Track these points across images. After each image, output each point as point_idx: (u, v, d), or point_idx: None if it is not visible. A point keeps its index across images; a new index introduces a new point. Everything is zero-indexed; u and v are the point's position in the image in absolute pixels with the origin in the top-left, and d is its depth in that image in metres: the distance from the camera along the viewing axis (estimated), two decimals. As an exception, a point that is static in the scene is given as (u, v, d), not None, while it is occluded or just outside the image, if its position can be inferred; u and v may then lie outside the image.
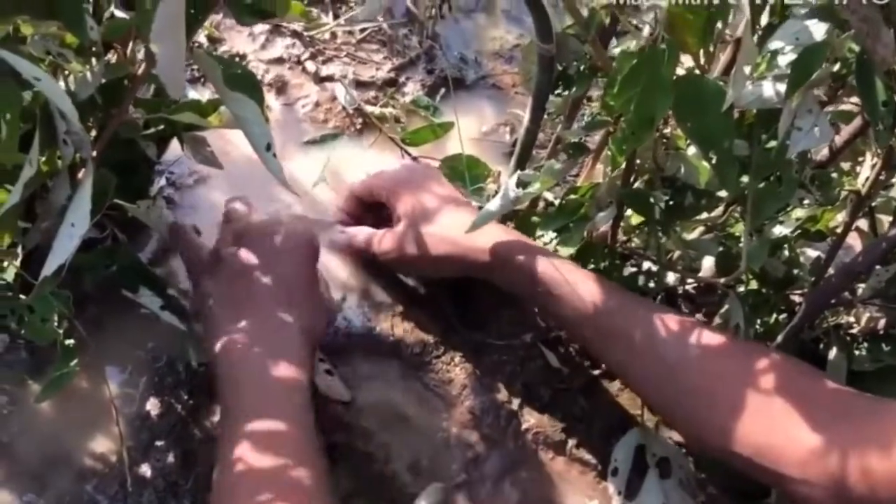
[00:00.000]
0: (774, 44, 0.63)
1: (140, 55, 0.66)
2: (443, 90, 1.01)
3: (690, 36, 0.61)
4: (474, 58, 1.06)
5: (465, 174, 0.91)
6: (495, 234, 0.77)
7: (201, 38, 0.94)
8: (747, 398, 0.65)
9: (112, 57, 0.66)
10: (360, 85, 0.99)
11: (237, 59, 0.95)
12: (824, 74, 0.65)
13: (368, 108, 0.96)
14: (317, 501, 0.62)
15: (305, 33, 0.96)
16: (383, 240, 0.82)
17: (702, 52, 0.63)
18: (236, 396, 0.66)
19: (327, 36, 1.00)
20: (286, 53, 0.98)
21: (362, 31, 1.02)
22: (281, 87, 0.96)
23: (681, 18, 0.60)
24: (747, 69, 0.63)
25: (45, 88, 0.52)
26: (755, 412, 0.65)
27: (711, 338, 0.69)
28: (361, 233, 0.85)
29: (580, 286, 0.73)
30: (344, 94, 0.96)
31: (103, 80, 0.62)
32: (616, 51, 0.72)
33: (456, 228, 0.77)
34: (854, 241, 0.89)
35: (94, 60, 0.61)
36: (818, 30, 0.62)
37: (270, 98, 0.95)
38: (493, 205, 0.74)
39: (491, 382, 0.81)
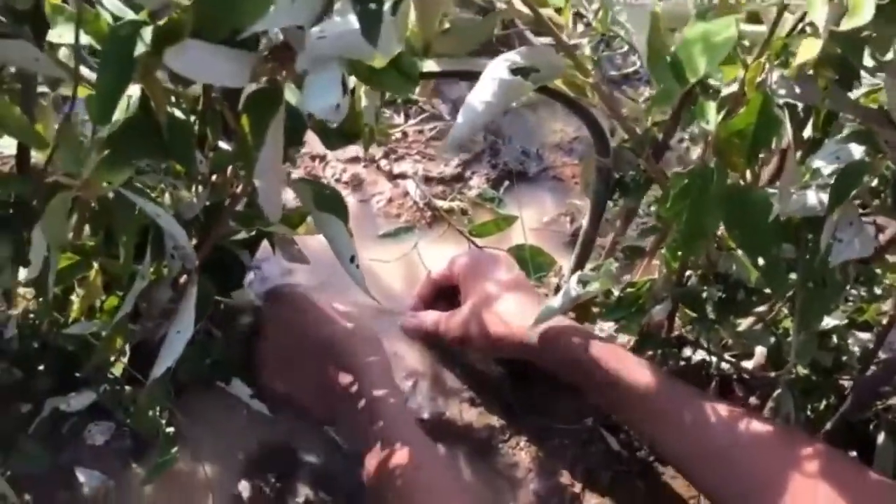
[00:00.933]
0: (816, 162, 0.69)
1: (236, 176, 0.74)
2: (506, 183, 1.08)
3: (736, 157, 0.67)
4: (536, 150, 1.13)
5: (529, 263, 0.97)
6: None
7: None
8: (793, 486, 0.70)
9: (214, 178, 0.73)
10: (429, 180, 1.07)
11: (317, 159, 1.03)
12: (864, 189, 0.70)
13: (437, 202, 1.04)
14: None
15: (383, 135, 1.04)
16: (449, 321, 0.88)
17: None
18: None
19: (399, 135, 1.07)
20: (361, 153, 1.06)
21: (431, 129, 1.09)
22: (357, 185, 1.04)
23: (728, 142, 0.66)
24: (792, 184, 0.68)
25: (163, 223, 0.60)
26: (801, 500, 0.69)
27: (759, 425, 0.74)
28: (430, 316, 0.91)
29: (630, 371, 0.78)
30: (415, 190, 1.04)
31: (207, 202, 0.70)
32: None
33: (515, 312, 0.84)
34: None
35: (199, 187, 0.69)
36: (857, 150, 0.67)
37: (347, 195, 1.03)
38: (556, 302, 0.80)
39: (554, 466, 0.86)
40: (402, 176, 1.06)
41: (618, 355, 0.80)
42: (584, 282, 0.80)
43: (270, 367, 0.85)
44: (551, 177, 1.11)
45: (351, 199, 1.03)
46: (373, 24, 0.49)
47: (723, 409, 0.75)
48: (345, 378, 0.80)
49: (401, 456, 0.73)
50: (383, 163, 1.06)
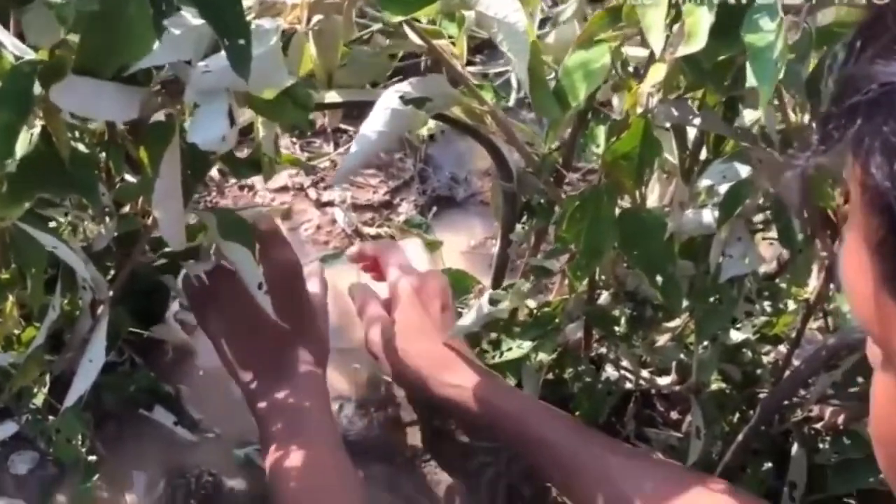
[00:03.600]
0: (704, 182, 0.71)
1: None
2: (434, 208, 1.10)
3: (625, 178, 0.69)
4: (465, 176, 1.15)
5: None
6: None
7: (213, 171, 1.04)
8: None
9: (125, 209, 0.75)
10: (357, 208, 1.09)
11: (246, 188, 1.06)
12: (752, 206, 0.73)
13: (366, 230, 1.06)
14: None
15: (308, 163, 1.06)
16: (376, 330, 0.88)
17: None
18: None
19: (328, 164, 1.10)
20: (290, 182, 1.08)
21: (359, 157, 1.12)
22: (286, 214, 1.06)
23: (615, 165, 0.69)
24: (682, 204, 0.71)
25: (61, 255, 0.62)
26: None
27: (664, 471, 0.77)
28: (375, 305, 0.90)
29: (535, 421, 0.80)
30: (343, 217, 1.06)
31: (115, 234, 0.72)
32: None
33: (426, 360, 0.84)
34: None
35: (107, 219, 0.71)
36: (743, 169, 0.70)
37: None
38: (467, 319, 0.82)
39: (476, 484, 0.88)
40: (331, 204, 1.08)
41: (519, 402, 0.82)
42: (494, 301, 0.82)
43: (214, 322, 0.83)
44: (479, 202, 1.14)
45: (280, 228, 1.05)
46: (241, 59, 0.51)
47: (628, 458, 0.78)
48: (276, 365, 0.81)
49: (297, 457, 0.75)
50: (311, 191, 1.09)
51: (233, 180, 1.06)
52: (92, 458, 0.78)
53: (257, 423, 0.79)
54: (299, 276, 0.83)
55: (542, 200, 0.80)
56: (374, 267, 0.93)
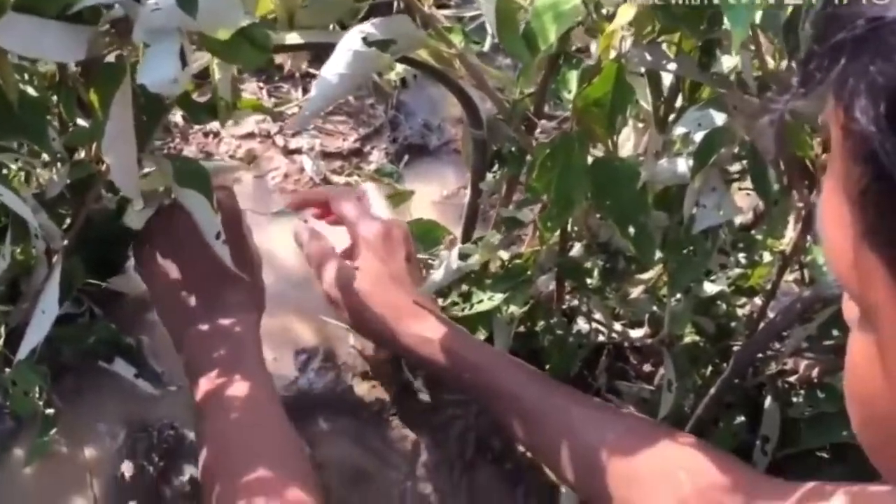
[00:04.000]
0: (679, 129, 0.69)
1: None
2: (406, 157, 1.08)
3: (597, 126, 0.67)
4: (438, 124, 1.13)
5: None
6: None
7: (177, 117, 1.01)
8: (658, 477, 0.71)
9: (80, 154, 0.73)
10: (326, 156, 1.06)
11: (211, 135, 1.03)
12: (727, 155, 0.71)
13: (335, 178, 1.03)
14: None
15: (275, 108, 1.03)
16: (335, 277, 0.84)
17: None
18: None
19: (296, 110, 1.07)
20: (257, 128, 1.05)
21: (329, 104, 1.09)
22: (252, 161, 1.03)
23: (587, 111, 0.66)
24: (657, 152, 0.69)
25: (8, 202, 0.59)
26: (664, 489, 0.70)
27: (628, 422, 0.76)
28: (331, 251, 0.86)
29: (500, 374, 0.78)
30: (311, 166, 1.03)
31: (68, 180, 0.69)
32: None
33: (392, 310, 0.82)
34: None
35: (59, 165, 0.68)
36: (719, 116, 0.68)
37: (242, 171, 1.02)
38: (437, 276, 0.81)
39: (445, 438, 0.86)
40: (298, 151, 1.05)
41: (482, 351, 0.80)
42: (464, 255, 0.80)
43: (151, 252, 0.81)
44: (452, 150, 1.11)
45: (246, 176, 1.03)
46: (188, -5, 0.49)
47: (592, 410, 0.77)
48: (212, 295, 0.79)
49: (231, 390, 0.73)
50: (279, 138, 1.06)
51: (198, 126, 1.03)
52: (49, 411, 0.76)
53: (186, 354, 0.77)
54: (241, 222, 0.82)
55: (512, 149, 0.78)
56: (326, 213, 0.90)
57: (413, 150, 1.09)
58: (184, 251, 0.78)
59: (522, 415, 0.77)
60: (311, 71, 1.09)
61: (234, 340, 0.76)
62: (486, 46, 1.07)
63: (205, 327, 0.76)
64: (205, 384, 0.73)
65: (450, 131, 1.13)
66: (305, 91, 1.09)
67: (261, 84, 1.08)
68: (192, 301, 0.78)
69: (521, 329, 0.90)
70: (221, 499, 0.67)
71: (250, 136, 1.05)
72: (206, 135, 1.03)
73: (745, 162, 0.74)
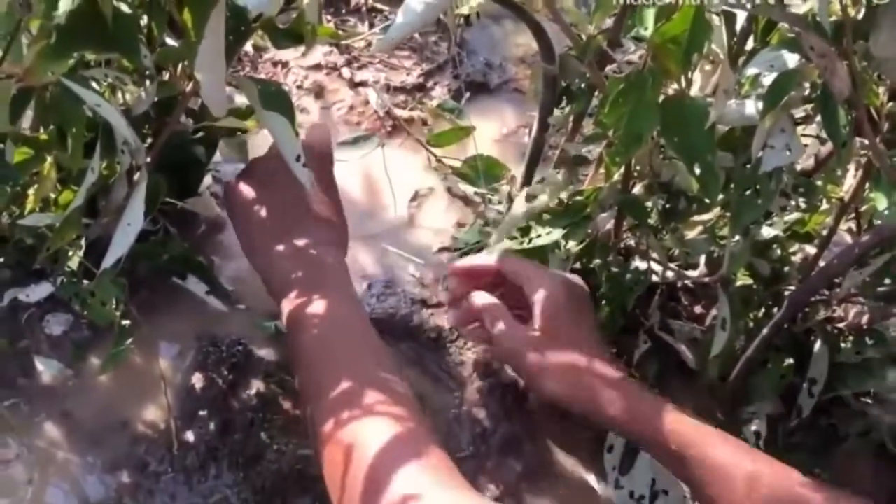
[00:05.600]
0: (750, 70, 0.70)
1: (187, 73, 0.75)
2: (468, 94, 1.09)
3: (672, 63, 0.68)
4: (499, 63, 1.14)
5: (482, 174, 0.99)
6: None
7: (248, 46, 1.03)
8: None
9: (165, 75, 0.75)
10: (391, 90, 1.08)
11: (279, 65, 1.05)
12: (797, 98, 0.72)
13: (398, 112, 1.05)
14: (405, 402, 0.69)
15: (342, 42, 1.05)
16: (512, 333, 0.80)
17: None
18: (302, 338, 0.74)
19: (362, 44, 1.08)
20: (324, 60, 1.07)
21: (394, 38, 1.10)
22: (319, 92, 1.06)
23: (663, 48, 0.68)
24: (727, 92, 0.70)
25: (104, 113, 0.62)
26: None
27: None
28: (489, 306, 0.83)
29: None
30: (376, 99, 1.05)
31: (156, 98, 0.72)
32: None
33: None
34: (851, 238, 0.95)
35: (147, 82, 0.71)
36: (791, 58, 0.69)
37: (309, 102, 1.05)
38: (506, 222, 0.83)
39: (500, 365, 0.89)
40: (364, 84, 1.07)
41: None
42: (531, 196, 0.82)
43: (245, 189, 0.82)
44: (512, 89, 1.13)
45: (313, 106, 1.05)
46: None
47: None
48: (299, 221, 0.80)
49: (318, 305, 0.74)
50: (345, 71, 1.08)
51: (266, 56, 1.06)
52: (126, 322, 0.79)
53: (271, 271, 0.78)
54: (332, 159, 0.83)
55: (582, 85, 0.79)
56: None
57: (474, 88, 1.10)
58: (275, 187, 0.80)
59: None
60: (377, 6, 1.11)
61: (324, 267, 0.78)
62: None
63: (295, 248, 0.78)
64: (293, 299, 0.75)
65: (511, 70, 1.14)
66: (372, 25, 1.11)
67: (328, 16, 1.10)
68: (285, 227, 0.80)
69: (577, 265, 0.93)
70: (317, 412, 0.68)
71: (317, 67, 1.07)
72: (274, 64, 1.05)
73: (810, 107, 0.75)
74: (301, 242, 0.79)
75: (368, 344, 0.74)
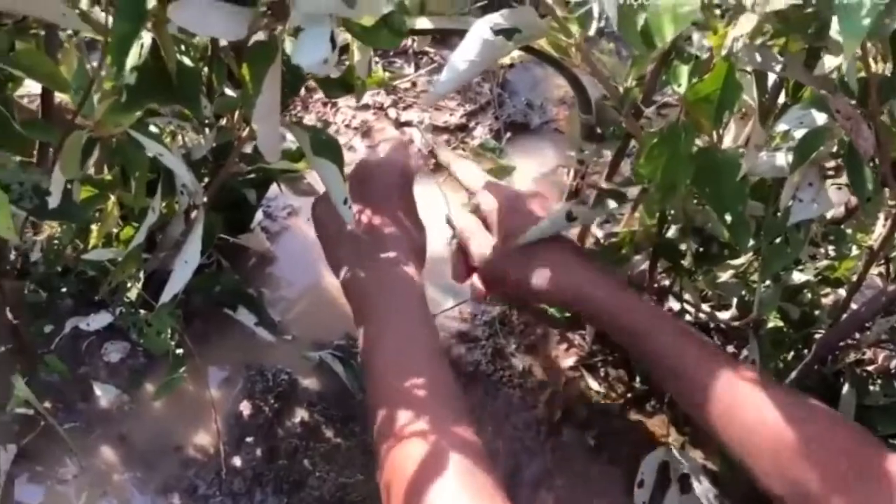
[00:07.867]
0: (781, 126, 0.73)
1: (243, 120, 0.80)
2: (509, 134, 1.13)
3: (704, 119, 0.71)
4: (540, 103, 1.18)
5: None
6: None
7: (299, 87, 1.07)
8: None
9: (222, 121, 0.79)
10: (435, 129, 1.12)
11: (329, 105, 1.09)
12: (826, 153, 0.74)
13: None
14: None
15: (389, 83, 1.09)
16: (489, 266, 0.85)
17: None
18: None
19: (408, 85, 1.13)
20: (371, 101, 1.12)
21: (439, 80, 1.14)
22: (366, 131, 1.10)
23: (696, 105, 0.71)
24: (758, 146, 0.73)
25: (166, 161, 0.66)
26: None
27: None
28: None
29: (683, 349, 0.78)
30: (420, 138, 1.09)
31: (214, 144, 0.76)
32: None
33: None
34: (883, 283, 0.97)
35: (206, 129, 0.75)
36: (820, 116, 0.71)
37: (356, 141, 1.09)
38: (544, 224, 0.84)
39: (534, 401, 0.92)
40: (409, 124, 1.11)
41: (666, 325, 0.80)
42: (572, 217, 0.84)
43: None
44: (553, 129, 1.16)
45: (360, 145, 1.09)
46: (352, -12, 0.54)
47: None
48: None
49: (395, 331, 0.75)
50: (391, 111, 1.12)
51: (316, 96, 1.10)
52: (179, 351, 0.83)
53: (355, 294, 0.79)
54: (413, 180, 0.86)
55: (617, 132, 0.82)
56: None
57: (515, 128, 1.14)
58: (366, 202, 0.82)
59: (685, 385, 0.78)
60: (424, 48, 1.15)
61: (398, 290, 0.78)
62: (592, 31, 1.12)
63: (376, 273, 0.78)
64: (373, 325, 0.76)
65: (551, 111, 1.17)
66: (418, 67, 1.15)
67: (376, 59, 1.14)
68: (365, 251, 0.80)
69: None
70: (385, 430, 0.69)
71: (365, 107, 1.12)
72: (324, 104, 1.10)
73: (840, 160, 0.78)
74: (385, 256, 0.80)
75: (438, 380, 0.74)
